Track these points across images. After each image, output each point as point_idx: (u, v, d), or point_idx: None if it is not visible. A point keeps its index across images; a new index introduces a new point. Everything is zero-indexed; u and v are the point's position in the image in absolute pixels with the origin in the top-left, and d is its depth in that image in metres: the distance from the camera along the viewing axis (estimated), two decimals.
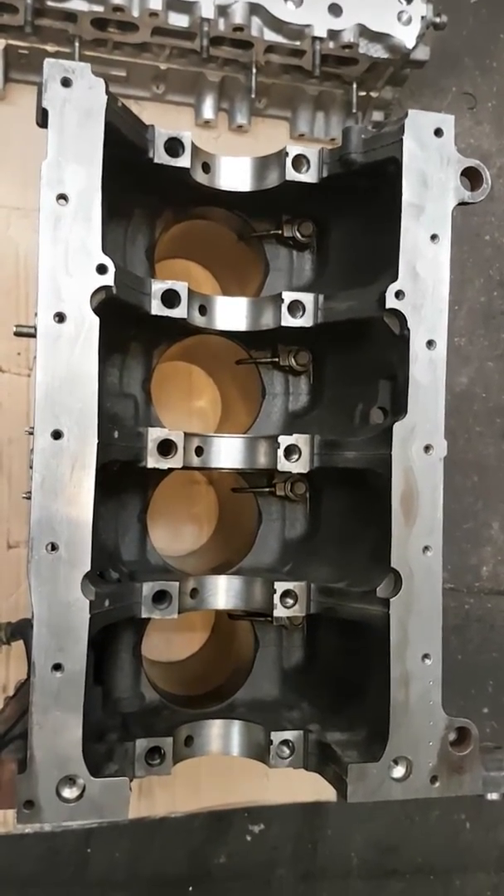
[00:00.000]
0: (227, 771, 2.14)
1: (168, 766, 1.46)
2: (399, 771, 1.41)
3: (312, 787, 2.19)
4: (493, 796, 1.59)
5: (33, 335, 1.35)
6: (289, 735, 1.52)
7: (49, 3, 1.89)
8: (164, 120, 2.15)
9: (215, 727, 1.59)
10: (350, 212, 1.67)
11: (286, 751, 1.51)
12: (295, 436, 1.59)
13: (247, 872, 2.40)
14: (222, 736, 1.59)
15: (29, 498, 1.32)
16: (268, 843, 2.43)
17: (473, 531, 2.60)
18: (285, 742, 1.51)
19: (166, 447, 1.51)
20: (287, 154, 1.55)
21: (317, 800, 2.28)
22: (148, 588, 1.49)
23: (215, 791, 2.17)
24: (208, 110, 2.21)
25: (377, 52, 2.06)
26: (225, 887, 2.39)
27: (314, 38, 2.00)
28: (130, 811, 1.34)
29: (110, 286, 1.33)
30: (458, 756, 1.44)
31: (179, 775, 1.62)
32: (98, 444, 1.31)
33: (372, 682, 1.48)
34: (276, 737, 1.51)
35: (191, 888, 2.36)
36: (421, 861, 2.58)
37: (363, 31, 2.02)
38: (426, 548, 1.42)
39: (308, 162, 1.56)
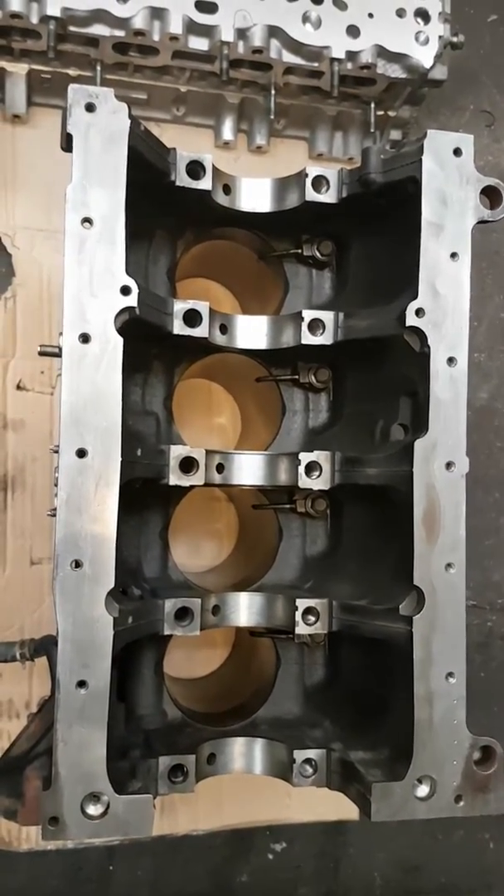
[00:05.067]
0: (250, 789, 2.13)
1: (191, 784, 1.46)
2: (423, 790, 1.40)
3: (335, 806, 2.18)
4: None
5: (57, 355, 1.37)
6: (312, 753, 1.51)
7: (71, 29, 1.92)
8: (183, 141, 2.17)
9: (238, 745, 1.59)
10: (369, 230, 1.68)
11: (309, 769, 1.51)
12: (316, 452, 1.59)
13: (269, 891, 2.38)
14: (245, 754, 1.58)
15: (53, 515, 1.33)
16: (290, 862, 2.41)
17: (496, 547, 2.58)
18: (308, 761, 1.51)
19: (188, 464, 1.52)
20: (307, 175, 1.57)
21: (339, 818, 2.26)
22: (170, 605, 1.50)
23: (237, 809, 2.17)
24: (228, 132, 2.23)
25: (395, 72, 2.08)
26: None
27: (332, 60, 2.02)
28: (153, 828, 1.34)
29: (134, 307, 1.35)
30: (483, 775, 1.43)
31: (201, 793, 1.62)
32: (122, 461, 1.33)
33: (395, 701, 1.47)
34: (299, 755, 1.50)
35: None
36: (444, 881, 2.55)
37: (381, 52, 2.04)
38: (449, 565, 1.42)
39: (328, 182, 1.58)
